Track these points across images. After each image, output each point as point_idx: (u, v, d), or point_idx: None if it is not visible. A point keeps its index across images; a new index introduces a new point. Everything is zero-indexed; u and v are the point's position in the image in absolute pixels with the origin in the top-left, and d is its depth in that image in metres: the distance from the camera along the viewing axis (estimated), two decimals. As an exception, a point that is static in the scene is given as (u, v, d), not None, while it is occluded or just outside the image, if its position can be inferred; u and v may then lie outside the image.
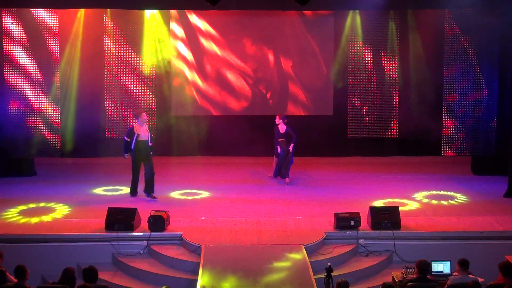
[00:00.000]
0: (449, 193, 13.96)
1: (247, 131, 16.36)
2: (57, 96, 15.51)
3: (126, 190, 13.94)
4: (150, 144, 13.49)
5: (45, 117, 15.46)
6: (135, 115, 13.83)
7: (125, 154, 13.53)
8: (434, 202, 13.39)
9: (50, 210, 12.64)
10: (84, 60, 15.88)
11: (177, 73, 16.74)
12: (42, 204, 13.01)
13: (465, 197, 13.70)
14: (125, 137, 13.47)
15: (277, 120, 14.96)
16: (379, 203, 13.14)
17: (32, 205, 12.93)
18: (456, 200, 13.52)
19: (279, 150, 14.81)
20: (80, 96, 15.95)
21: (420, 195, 13.82)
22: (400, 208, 11.85)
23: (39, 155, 15.69)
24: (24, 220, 12.03)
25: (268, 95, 17.02)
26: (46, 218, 12.15)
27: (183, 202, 13.36)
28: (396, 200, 13.44)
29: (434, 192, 14.02)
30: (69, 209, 12.70)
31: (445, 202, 13.34)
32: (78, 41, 15.74)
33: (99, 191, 14.20)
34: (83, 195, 13.88)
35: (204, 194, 13.97)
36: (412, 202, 13.36)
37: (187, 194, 13.88)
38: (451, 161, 16.61)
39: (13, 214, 12.41)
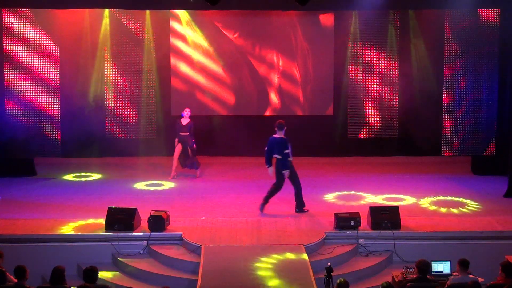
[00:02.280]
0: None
1: (247, 131, 16.37)
2: (57, 95, 15.50)
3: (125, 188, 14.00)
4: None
5: (45, 117, 15.45)
6: (279, 126, 12.45)
7: (287, 171, 12.41)
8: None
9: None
10: (84, 59, 15.91)
11: (177, 72, 16.74)
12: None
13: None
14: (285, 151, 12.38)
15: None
16: (378, 200, 13.19)
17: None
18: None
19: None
20: (80, 95, 15.96)
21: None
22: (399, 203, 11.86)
23: (39, 155, 15.69)
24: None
25: (268, 95, 17.01)
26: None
27: (184, 203, 13.35)
28: (395, 195, 13.52)
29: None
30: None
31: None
32: (78, 40, 15.77)
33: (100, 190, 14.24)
34: (83, 195, 13.89)
35: (205, 194, 13.98)
36: (410, 198, 13.41)
37: (187, 195, 13.87)
38: (451, 161, 16.60)
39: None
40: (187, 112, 15.01)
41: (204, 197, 13.71)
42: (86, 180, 15.15)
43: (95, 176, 15.46)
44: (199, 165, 15.24)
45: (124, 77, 16.21)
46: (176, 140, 15.06)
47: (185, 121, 15.02)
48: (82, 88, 15.97)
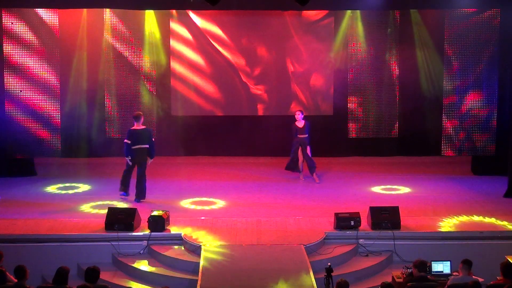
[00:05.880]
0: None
1: (247, 131, 16.37)
2: (57, 95, 15.50)
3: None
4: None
5: (45, 117, 15.45)
6: (138, 117, 13.35)
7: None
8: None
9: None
10: (84, 59, 15.91)
11: (177, 72, 16.74)
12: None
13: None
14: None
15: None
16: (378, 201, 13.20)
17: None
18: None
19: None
20: (80, 95, 15.97)
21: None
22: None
23: (39, 155, 15.69)
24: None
25: (268, 95, 17.01)
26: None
27: (183, 207, 13.35)
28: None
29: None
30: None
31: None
32: (78, 41, 15.77)
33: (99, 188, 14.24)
34: (83, 195, 13.88)
35: (204, 195, 13.96)
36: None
37: (188, 197, 13.85)
38: (451, 161, 16.60)
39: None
40: (300, 115, 14.90)
41: (204, 198, 13.72)
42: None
43: (95, 174, 15.48)
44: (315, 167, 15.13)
45: (124, 77, 16.21)
46: (296, 142, 14.93)
47: (300, 123, 14.90)
48: (81, 88, 15.96)
